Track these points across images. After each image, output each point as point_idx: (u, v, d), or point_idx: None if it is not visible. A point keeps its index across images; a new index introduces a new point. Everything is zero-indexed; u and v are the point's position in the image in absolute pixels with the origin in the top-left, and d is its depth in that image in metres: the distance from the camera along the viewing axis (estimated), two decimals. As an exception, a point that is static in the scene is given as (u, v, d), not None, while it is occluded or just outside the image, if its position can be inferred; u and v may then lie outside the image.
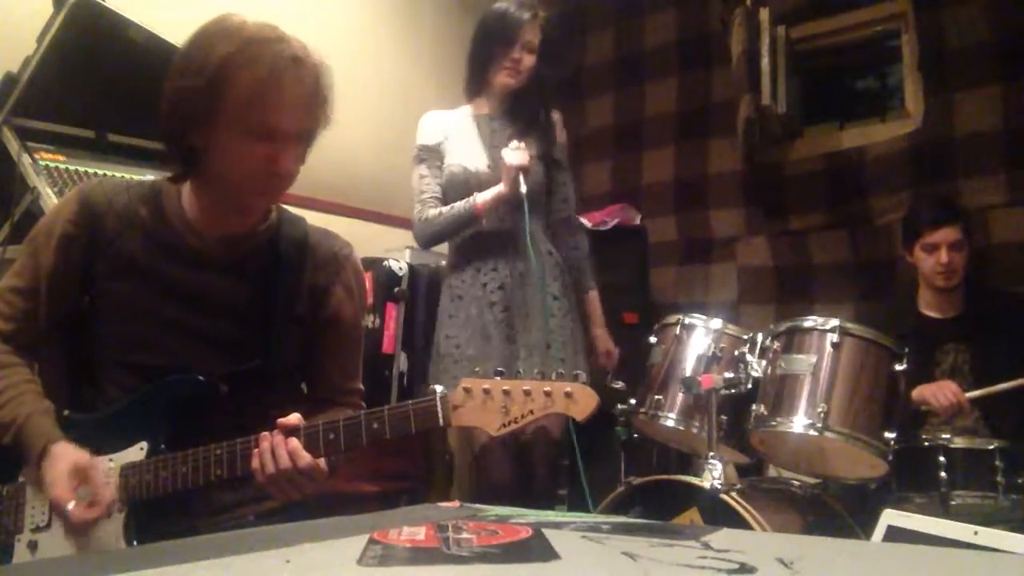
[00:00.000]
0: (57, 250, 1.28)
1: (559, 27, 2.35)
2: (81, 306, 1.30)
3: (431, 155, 2.28)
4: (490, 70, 2.24)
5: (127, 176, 1.81)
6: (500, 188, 2.12)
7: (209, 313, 1.30)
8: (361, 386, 1.47)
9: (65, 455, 1.18)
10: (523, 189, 2.08)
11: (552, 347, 2.15)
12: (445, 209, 2.20)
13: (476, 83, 2.29)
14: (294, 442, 1.15)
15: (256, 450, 1.16)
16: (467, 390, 1.14)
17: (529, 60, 2.22)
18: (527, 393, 1.12)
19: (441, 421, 1.13)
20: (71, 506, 1.15)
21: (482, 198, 2.14)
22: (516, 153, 2.10)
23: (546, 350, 2.14)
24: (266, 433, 1.17)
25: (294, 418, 1.18)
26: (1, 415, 1.22)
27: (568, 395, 1.11)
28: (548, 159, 2.31)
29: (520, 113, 2.29)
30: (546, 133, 2.32)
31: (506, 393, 1.12)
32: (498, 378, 1.14)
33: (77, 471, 1.17)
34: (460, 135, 2.27)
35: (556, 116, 2.38)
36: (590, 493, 2.19)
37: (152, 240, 1.30)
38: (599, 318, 2.41)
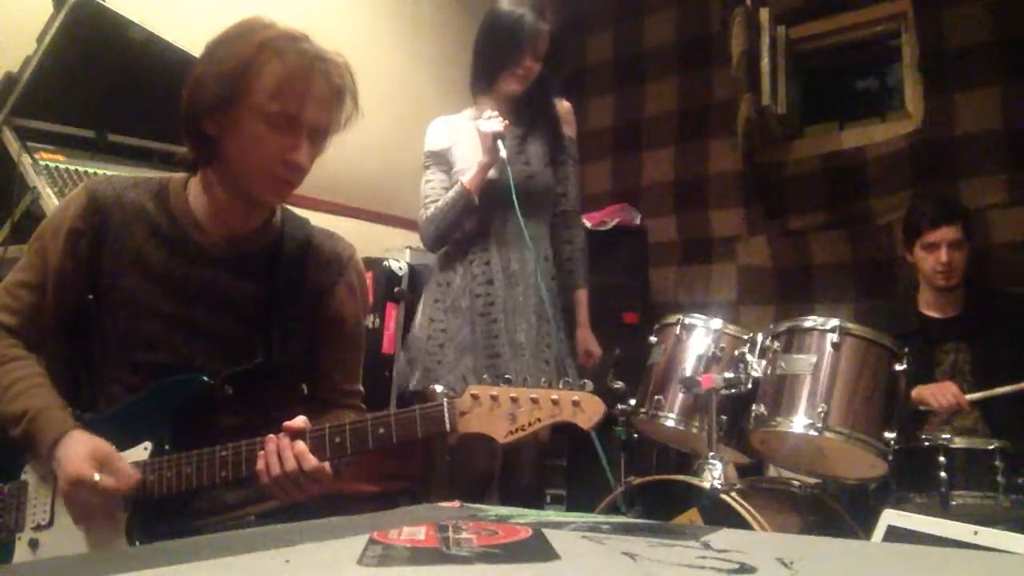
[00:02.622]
0: (64, 245, 1.29)
1: (561, 29, 2.34)
2: (86, 303, 1.30)
3: (438, 160, 2.28)
4: (498, 76, 2.24)
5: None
6: (481, 160, 2.14)
7: (212, 310, 1.30)
8: (361, 388, 1.47)
9: (83, 439, 1.18)
10: (503, 154, 2.10)
11: (540, 348, 2.16)
12: (439, 203, 2.21)
13: (483, 84, 2.28)
14: (300, 445, 1.15)
15: (262, 452, 1.16)
16: (475, 396, 1.13)
17: (537, 68, 2.23)
18: (534, 401, 1.12)
19: (448, 427, 1.13)
20: (97, 476, 1.15)
21: (466, 176, 2.16)
22: (491, 121, 2.12)
23: (535, 350, 2.15)
24: (272, 435, 1.17)
25: (300, 421, 1.18)
26: (13, 406, 1.22)
27: (575, 404, 1.11)
28: (554, 156, 2.32)
29: (525, 112, 2.30)
30: (551, 129, 2.33)
31: (513, 400, 1.12)
32: (505, 385, 1.14)
33: (97, 452, 1.17)
34: (467, 140, 2.25)
35: (565, 107, 2.38)
36: (588, 493, 2.19)
37: (158, 236, 1.30)
38: (584, 318, 2.40)
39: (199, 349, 1.29)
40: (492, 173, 2.16)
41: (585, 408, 1.11)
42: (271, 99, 1.19)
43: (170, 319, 1.29)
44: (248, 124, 1.20)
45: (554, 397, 1.11)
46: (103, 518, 1.19)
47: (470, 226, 2.22)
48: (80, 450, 1.17)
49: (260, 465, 1.16)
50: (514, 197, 2.09)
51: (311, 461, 1.15)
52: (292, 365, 1.37)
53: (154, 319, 1.28)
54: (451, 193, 2.18)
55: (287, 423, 1.17)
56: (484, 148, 2.13)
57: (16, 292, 1.30)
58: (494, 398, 1.13)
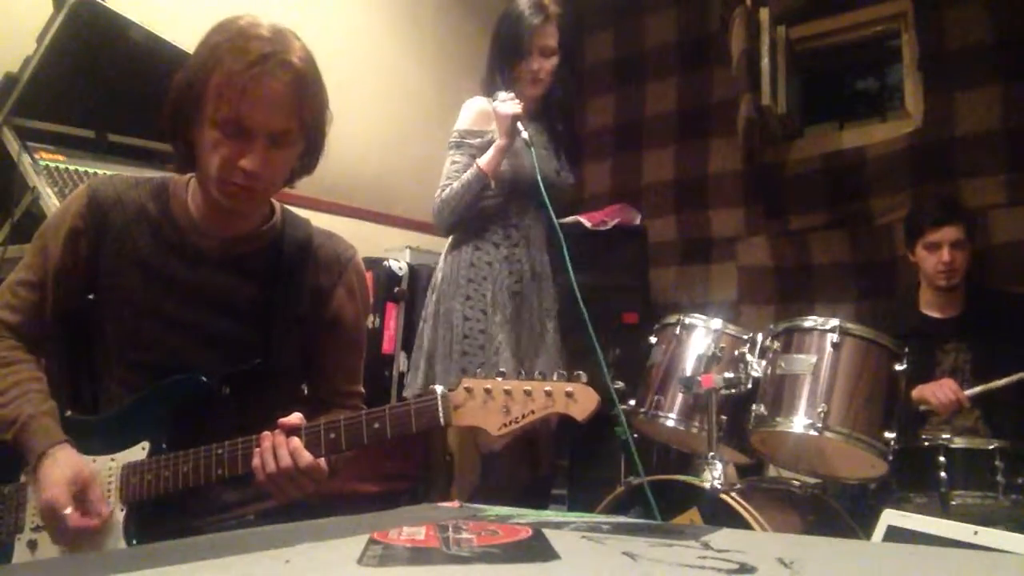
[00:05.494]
0: (65, 244, 1.29)
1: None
2: (86, 302, 1.30)
3: (471, 139, 2.22)
4: (512, 78, 2.23)
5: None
6: (499, 142, 2.12)
7: (211, 311, 1.30)
8: (362, 389, 1.47)
9: (67, 461, 1.18)
10: (524, 134, 2.08)
11: (561, 347, 2.17)
12: (454, 184, 2.18)
13: (499, 86, 2.23)
14: (295, 441, 1.15)
15: (257, 449, 1.16)
16: (468, 390, 1.13)
17: (549, 65, 2.21)
18: (528, 393, 1.12)
19: (442, 421, 1.13)
20: (69, 510, 1.14)
21: (483, 159, 2.14)
22: (507, 103, 2.11)
23: (558, 348, 2.17)
24: (267, 432, 1.17)
25: (295, 417, 1.18)
26: (4, 412, 1.22)
27: (569, 395, 1.11)
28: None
29: (555, 124, 2.32)
30: (567, 136, 2.36)
31: (507, 393, 1.12)
32: (500, 378, 1.14)
33: (77, 479, 1.16)
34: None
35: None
36: (588, 493, 2.19)
37: (158, 236, 1.30)
38: None
39: (198, 349, 1.29)
40: (506, 164, 2.15)
41: (579, 399, 1.11)
42: (218, 104, 1.16)
43: (169, 319, 1.29)
44: (206, 130, 1.19)
45: (547, 389, 1.11)
46: (85, 536, 1.18)
47: (501, 221, 2.21)
48: (60, 474, 1.16)
49: (256, 462, 1.16)
50: (546, 197, 2.05)
51: (306, 457, 1.14)
52: (291, 366, 1.37)
53: (153, 319, 1.28)
54: (467, 175, 2.15)
55: (282, 419, 1.17)
56: (501, 130, 2.11)
57: (18, 291, 1.30)
58: (488, 391, 1.13)
